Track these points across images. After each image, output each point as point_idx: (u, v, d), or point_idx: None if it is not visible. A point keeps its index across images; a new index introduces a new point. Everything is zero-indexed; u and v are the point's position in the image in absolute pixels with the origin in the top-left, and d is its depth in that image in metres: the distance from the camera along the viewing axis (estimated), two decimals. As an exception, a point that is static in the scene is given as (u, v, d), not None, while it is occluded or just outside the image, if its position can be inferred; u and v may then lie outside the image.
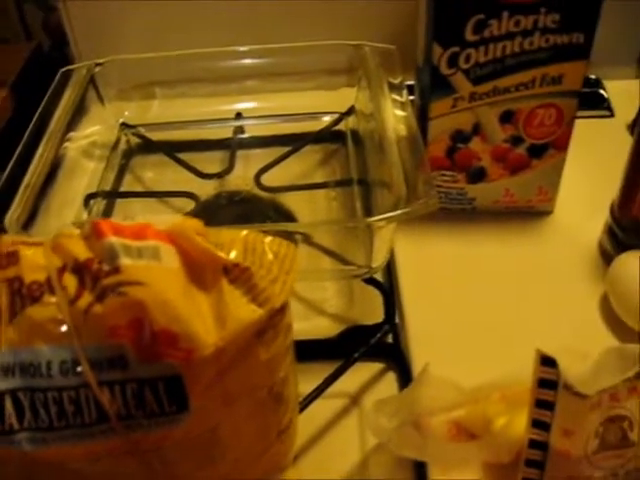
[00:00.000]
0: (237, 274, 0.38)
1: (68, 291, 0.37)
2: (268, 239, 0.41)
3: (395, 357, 0.60)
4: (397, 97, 0.67)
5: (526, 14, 0.59)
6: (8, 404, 0.38)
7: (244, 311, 0.38)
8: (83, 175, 0.73)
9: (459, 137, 0.66)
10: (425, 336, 0.61)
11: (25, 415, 0.38)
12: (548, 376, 0.48)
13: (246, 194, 0.71)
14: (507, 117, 0.65)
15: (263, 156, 0.75)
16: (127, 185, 0.76)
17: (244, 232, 0.41)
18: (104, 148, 0.77)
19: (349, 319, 0.63)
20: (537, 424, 0.49)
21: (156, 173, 0.77)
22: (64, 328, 0.37)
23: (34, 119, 0.68)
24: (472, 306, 0.64)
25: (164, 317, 0.36)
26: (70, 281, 0.37)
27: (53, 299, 0.37)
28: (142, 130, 0.79)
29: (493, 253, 0.69)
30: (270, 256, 0.40)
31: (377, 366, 0.60)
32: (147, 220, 0.39)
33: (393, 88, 0.68)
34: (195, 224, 0.40)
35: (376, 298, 0.64)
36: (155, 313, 0.36)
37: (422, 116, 0.66)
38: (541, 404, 0.48)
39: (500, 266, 0.68)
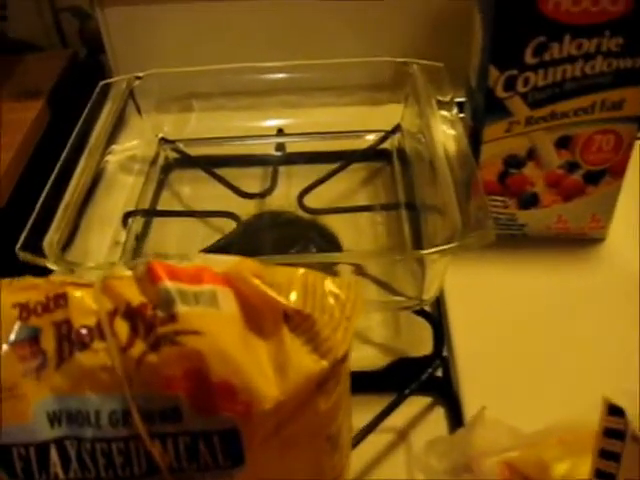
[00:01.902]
0: (298, 322, 0.36)
1: (120, 338, 0.35)
2: (328, 281, 0.38)
3: (444, 392, 0.57)
4: (446, 114, 0.65)
5: (589, 37, 0.57)
6: (53, 453, 0.36)
7: (306, 362, 0.36)
8: (122, 190, 0.71)
9: (512, 162, 0.64)
10: (475, 371, 0.59)
11: (71, 465, 0.36)
12: (615, 426, 0.46)
13: (289, 215, 0.68)
14: (564, 142, 0.63)
15: (305, 174, 0.72)
16: (164, 201, 0.74)
17: (301, 271, 0.39)
18: (143, 163, 0.75)
19: (396, 350, 0.61)
20: (601, 475, 0.46)
21: (194, 189, 0.75)
22: (114, 377, 0.35)
23: (75, 132, 0.66)
24: (524, 339, 0.61)
25: (222, 368, 0.34)
26: (122, 327, 0.35)
27: (103, 345, 0.35)
28: (181, 145, 0.76)
29: (545, 282, 0.66)
30: (332, 300, 0.38)
31: (425, 400, 0.58)
32: (203, 261, 0.37)
33: (442, 106, 0.66)
34: (252, 265, 0.38)
35: (423, 328, 0.61)
36: (213, 364, 0.34)
37: (474, 139, 0.63)
38: (606, 454, 0.46)
39: (552, 296, 0.65)
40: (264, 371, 0.35)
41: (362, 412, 0.54)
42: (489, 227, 0.53)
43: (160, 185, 0.75)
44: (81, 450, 0.36)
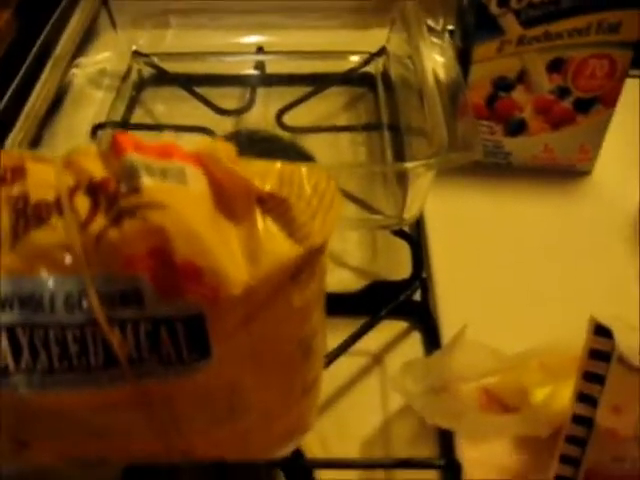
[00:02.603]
0: (273, 206, 0.34)
1: (79, 213, 0.32)
2: (305, 171, 0.36)
3: (422, 316, 0.55)
4: (437, 40, 0.62)
5: (589, -49, 0.54)
6: (4, 341, 0.33)
7: (280, 247, 0.33)
8: (91, 105, 0.68)
9: (502, 84, 0.61)
10: (454, 296, 0.57)
11: (23, 355, 0.33)
12: (601, 347, 0.44)
13: (265, 133, 0.65)
14: (556, 65, 0.60)
15: (285, 95, 0.69)
16: (136, 118, 0.70)
17: (278, 164, 0.36)
18: (114, 77, 0.72)
19: (372, 273, 0.59)
20: (583, 398, 0.45)
21: (169, 107, 0.72)
22: (71, 256, 0.32)
23: (39, 42, 0.62)
24: (504, 266, 0.60)
25: (188, 248, 0.31)
26: (83, 203, 0.32)
27: (61, 222, 0.32)
28: (155, 60, 0.73)
29: (527, 212, 0.64)
30: (309, 189, 0.35)
31: (401, 325, 0.56)
32: (173, 139, 0.34)
33: (432, 33, 0.63)
34: (227, 148, 0.35)
35: (401, 252, 0.59)
36: (178, 242, 0.31)
37: (463, 59, 0.61)
38: (590, 377, 0.44)
39: (534, 226, 0.63)
40: (234, 255, 0.32)
41: (336, 334, 0.52)
42: (476, 144, 0.50)
43: (132, 102, 0.72)
44: (34, 338, 0.33)
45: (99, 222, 0.32)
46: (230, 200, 0.33)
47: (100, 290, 0.32)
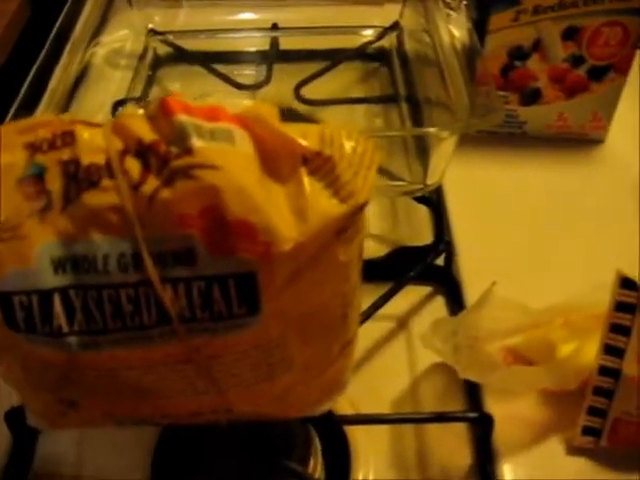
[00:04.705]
0: (318, 165, 0.35)
1: (131, 175, 0.33)
2: (344, 132, 0.37)
3: (446, 280, 0.57)
4: (452, 13, 0.63)
5: None
6: (57, 303, 0.34)
7: (326, 205, 0.34)
8: (110, 84, 0.69)
9: (517, 54, 0.62)
10: (476, 259, 0.58)
11: (76, 316, 0.34)
12: (627, 299, 0.45)
13: (284, 108, 0.66)
14: (570, 34, 0.61)
15: (300, 70, 0.70)
16: (155, 96, 0.71)
17: (317, 126, 0.37)
18: (131, 57, 0.72)
19: (394, 240, 0.60)
20: (610, 350, 0.46)
21: (185, 85, 0.73)
22: (124, 217, 0.33)
23: (58, 23, 0.63)
24: (522, 230, 0.61)
25: (241, 206, 0.32)
26: (133, 165, 0.33)
27: (113, 183, 0.33)
28: (171, 37, 0.74)
29: (542, 178, 0.66)
30: (349, 149, 0.36)
31: (425, 289, 0.57)
32: (218, 101, 0.35)
33: (447, 4, 0.64)
34: (270, 110, 0.36)
35: (421, 219, 0.61)
36: (231, 201, 0.32)
37: (478, 30, 0.62)
38: (616, 328, 0.46)
39: (549, 192, 0.65)
40: (283, 213, 0.33)
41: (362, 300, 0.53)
42: (497, 109, 0.51)
43: (149, 80, 0.73)
44: (87, 299, 0.34)
45: (151, 183, 0.33)
46: (276, 160, 0.34)
47: (153, 250, 0.33)
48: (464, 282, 0.56)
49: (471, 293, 0.54)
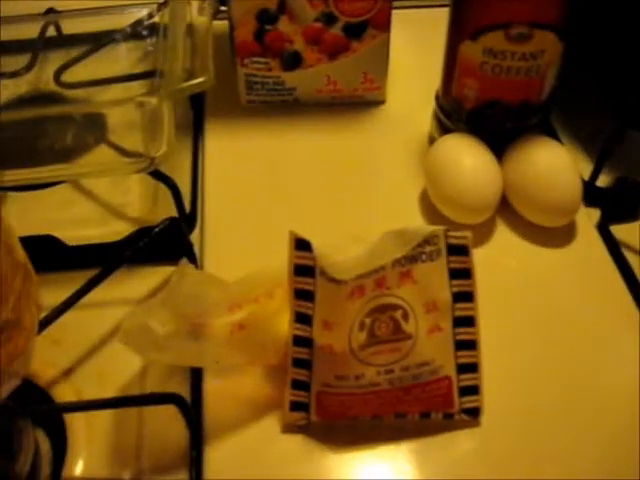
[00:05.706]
0: None
1: None
2: None
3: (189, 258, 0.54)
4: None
5: None
6: None
7: None
8: None
9: (265, 17, 0.60)
10: (222, 235, 0.56)
11: None
12: (304, 262, 0.43)
13: (45, 92, 0.64)
14: (314, -9, 0.59)
15: (68, 55, 0.68)
16: None
17: None
18: None
19: (148, 221, 0.58)
20: (300, 318, 0.44)
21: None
22: None
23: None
24: (288, 199, 0.59)
25: None
26: None
27: None
28: None
29: (318, 146, 0.64)
30: None
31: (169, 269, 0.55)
32: None
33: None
34: None
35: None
36: None
37: (224, -1, 0.60)
38: (300, 294, 0.43)
39: (325, 159, 0.63)
40: None
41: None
42: (208, 74, 0.50)
43: None
44: None
45: None
46: None
47: None
48: (207, 259, 0.54)
49: (216, 269, 0.52)
